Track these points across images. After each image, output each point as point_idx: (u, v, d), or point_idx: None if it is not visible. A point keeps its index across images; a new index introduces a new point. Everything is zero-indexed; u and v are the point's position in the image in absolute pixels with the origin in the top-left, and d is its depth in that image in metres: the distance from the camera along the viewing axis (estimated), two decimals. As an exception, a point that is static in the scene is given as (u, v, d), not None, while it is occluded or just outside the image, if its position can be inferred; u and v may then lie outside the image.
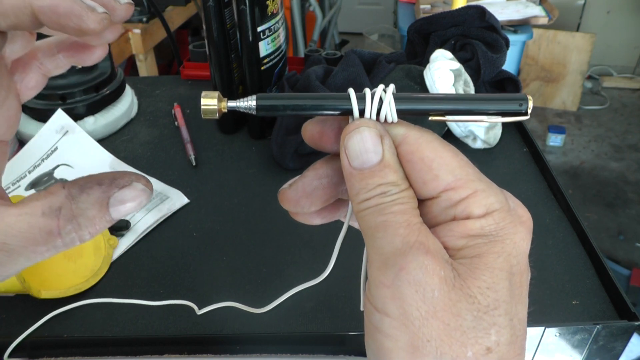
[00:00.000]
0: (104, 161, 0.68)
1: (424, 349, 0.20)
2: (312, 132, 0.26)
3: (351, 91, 0.24)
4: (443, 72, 0.68)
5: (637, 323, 0.45)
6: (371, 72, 0.76)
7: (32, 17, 0.19)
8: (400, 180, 0.22)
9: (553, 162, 2.51)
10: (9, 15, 0.19)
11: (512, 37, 1.75)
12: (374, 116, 0.24)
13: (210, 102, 0.24)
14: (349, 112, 0.24)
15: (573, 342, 0.47)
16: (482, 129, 0.69)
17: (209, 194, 0.65)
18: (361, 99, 0.24)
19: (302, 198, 0.26)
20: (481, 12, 0.76)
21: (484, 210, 0.21)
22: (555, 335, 0.47)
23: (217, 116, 0.24)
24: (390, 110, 0.23)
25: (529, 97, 0.24)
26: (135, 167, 0.68)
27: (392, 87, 0.24)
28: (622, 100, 3.03)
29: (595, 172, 2.45)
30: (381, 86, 0.24)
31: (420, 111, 0.24)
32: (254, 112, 0.24)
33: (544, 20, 2.03)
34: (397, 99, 0.24)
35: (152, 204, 0.61)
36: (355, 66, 0.74)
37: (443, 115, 0.24)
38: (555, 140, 2.63)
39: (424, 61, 0.76)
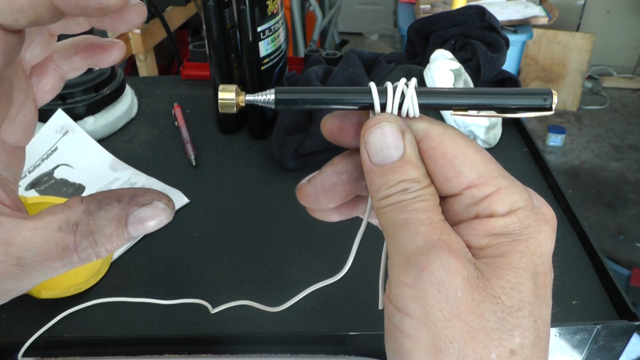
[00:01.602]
0: (104, 161, 0.68)
1: (447, 351, 0.19)
2: (331, 126, 0.25)
3: (372, 85, 0.23)
4: (443, 72, 0.68)
5: (637, 323, 0.45)
6: (371, 72, 0.76)
7: (51, 8, 0.18)
8: (422, 177, 0.22)
9: (553, 162, 2.51)
10: (26, 10, 0.18)
11: (512, 37, 1.75)
12: (395, 111, 0.23)
13: (228, 95, 0.23)
14: (370, 106, 0.23)
15: (573, 342, 0.47)
16: (482, 129, 0.69)
17: (209, 194, 0.65)
18: (382, 93, 0.23)
19: (321, 194, 0.25)
20: (481, 12, 0.76)
21: (508, 208, 0.21)
22: (555, 335, 0.47)
23: (234, 110, 0.24)
24: (412, 105, 0.23)
25: (554, 92, 0.23)
26: (135, 167, 0.68)
27: (414, 80, 0.23)
28: (622, 100, 3.03)
29: (595, 172, 2.45)
30: (403, 80, 0.23)
31: (443, 106, 0.24)
32: (272, 106, 0.24)
33: (544, 20, 2.03)
34: (419, 93, 0.23)
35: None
36: (355, 66, 0.74)
37: (466, 110, 0.24)
38: (555, 140, 2.63)
39: (424, 61, 0.76)
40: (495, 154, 0.70)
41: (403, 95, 0.23)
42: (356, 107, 0.24)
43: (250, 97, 0.24)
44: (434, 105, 0.23)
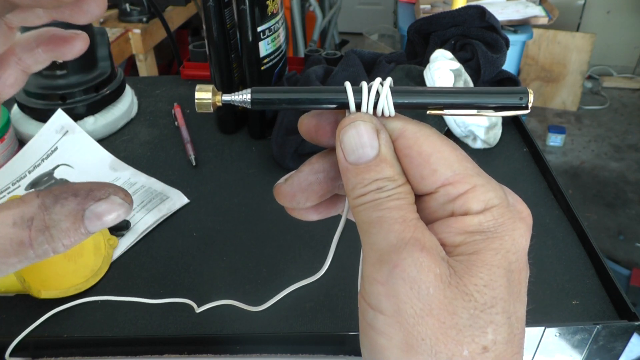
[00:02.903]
0: (104, 161, 0.68)
1: (419, 347, 0.19)
2: (308, 125, 0.25)
3: (347, 84, 0.23)
4: (443, 72, 0.68)
5: (637, 323, 0.45)
6: (371, 72, 0.77)
7: None
8: (397, 175, 0.22)
9: (553, 162, 2.51)
10: None
11: (512, 37, 1.74)
12: (370, 110, 0.23)
13: (204, 95, 0.24)
14: (345, 105, 0.23)
15: (573, 342, 0.47)
16: (482, 129, 0.69)
17: (209, 194, 0.65)
18: (357, 92, 0.23)
19: (298, 193, 0.25)
20: (481, 12, 0.76)
21: (483, 206, 0.21)
22: (555, 335, 0.47)
23: (211, 110, 0.24)
24: (387, 104, 0.23)
25: (530, 91, 0.23)
26: (135, 167, 0.68)
27: (389, 80, 0.23)
28: (622, 100, 3.03)
29: (595, 172, 2.45)
30: (378, 79, 0.23)
31: (418, 105, 0.24)
32: (248, 106, 0.24)
33: (544, 20, 2.03)
34: (394, 92, 0.23)
35: (152, 204, 0.61)
36: (355, 66, 0.74)
37: (441, 109, 0.24)
38: (555, 140, 2.62)
39: (424, 61, 0.76)
40: (495, 154, 0.71)
41: (378, 95, 0.23)
42: (332, 107, 0.24)
43: (226, 97, 0.24)
44: (409, 105, 0.23)
